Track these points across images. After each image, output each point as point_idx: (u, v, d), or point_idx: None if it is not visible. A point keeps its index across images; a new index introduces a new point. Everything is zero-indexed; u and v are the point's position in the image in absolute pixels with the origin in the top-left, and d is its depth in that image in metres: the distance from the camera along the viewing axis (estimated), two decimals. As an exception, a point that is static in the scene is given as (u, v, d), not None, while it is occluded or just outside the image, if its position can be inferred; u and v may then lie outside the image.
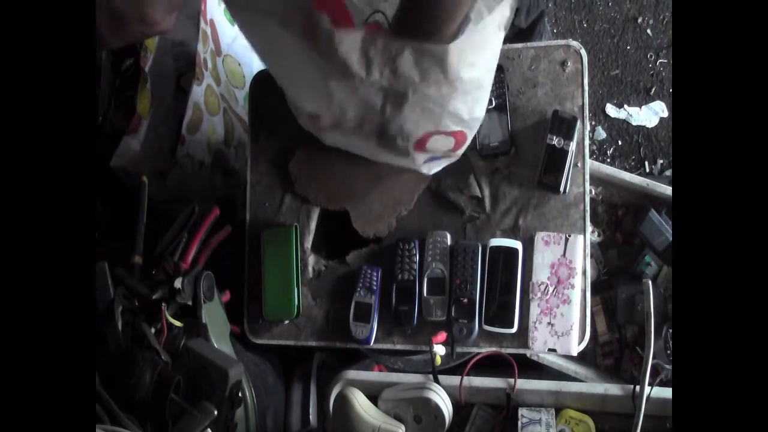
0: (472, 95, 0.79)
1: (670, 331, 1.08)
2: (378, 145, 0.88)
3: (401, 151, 0.88)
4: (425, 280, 0.98)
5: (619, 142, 1.74)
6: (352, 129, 0.86)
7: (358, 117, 0.83)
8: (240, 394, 0.92)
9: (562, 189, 0.95)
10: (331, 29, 0.72)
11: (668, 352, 1.06)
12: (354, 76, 0.75)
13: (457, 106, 0.79)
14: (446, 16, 0.70)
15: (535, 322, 0.94)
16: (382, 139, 0.85)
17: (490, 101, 0.98)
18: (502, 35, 0.79)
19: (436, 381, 0.92)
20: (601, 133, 1.74)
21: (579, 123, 0.95)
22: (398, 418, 0.91)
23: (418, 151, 0.88)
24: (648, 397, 0.86)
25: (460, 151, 0.91)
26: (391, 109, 0.79)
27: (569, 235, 0.95)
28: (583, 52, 0.98)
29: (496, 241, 0.97)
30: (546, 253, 0.95)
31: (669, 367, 0.99)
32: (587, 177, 0.96)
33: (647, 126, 1.73)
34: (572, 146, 0.94)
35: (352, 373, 0.96)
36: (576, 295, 0.93)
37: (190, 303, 0.95)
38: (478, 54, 0.75)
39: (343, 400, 0.91)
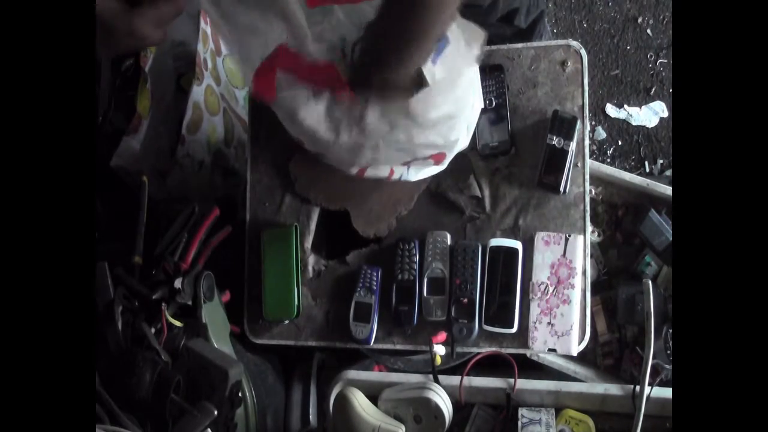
0: (445, 126, 0.79)
1: (670, 331, 1.07)
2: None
3: (385, 175, 0.90)
4: (425, 280, 0.98)
5: (619, 142, 1.74)
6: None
7: (334, 160, 0.85)
8: (240, 394, 0.92)
9: (562, 189, 0.95)
10: (293, 107, 0.74)
11: (668, 352, 1.06)
12: (324, 141, 0.77)
13: (430, 139, 0.80)
14: (404, 60, 0.70)
15: (535, 322, 0.94)
16: (367, 170, 0.88)
17: (491, 101, 0.98)
18: (474, 65, 0.79)
19: (436, 381, 0.92)
20: (601, 133, 1.74)
21: (579, 123, 0.95)
22: (398, 418, 0.91)
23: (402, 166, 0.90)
24: (648, 397, 0.86)
25: (442, 166, 0.91)
26: (366, 156, 0.81)
27: (569, 235, 0.95)
28: (583, 52, 0.98)
29: (496, 241, 0.97)
30: (546, 253, 0.95)
31: (669, 367, 0.99)
32: (587, 177, 0.96)
33: (647, 126, 1.73)
34: (572, 146, 0.94)
35: (352, 373, 0.96)
36: (576, 295, 0.93)
37: (190, 303, 0.95)
38: (445, 93, 0.76)
39: (343, 400, 0.91)
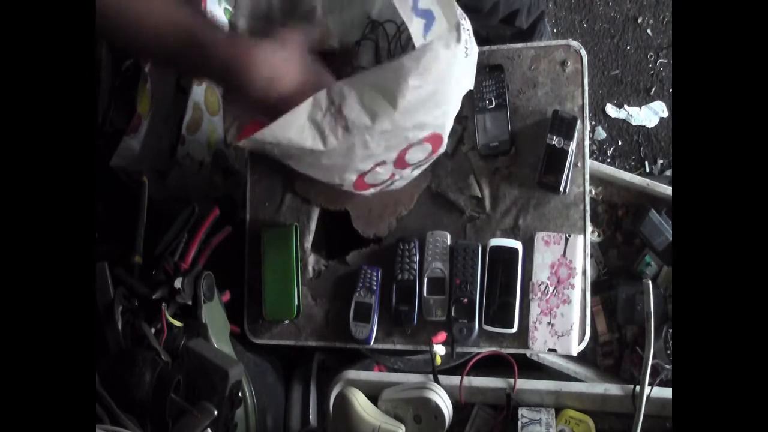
0: (431, 102, 0.78)
1: (670, 331, 1.08)
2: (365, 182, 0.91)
3: (385, 178, 0.90)
4: (425, 280, 0.98)
5: (619, 142, 1.74)
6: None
7: (333, 171, 0.87)
8: (240, 394, 0.92)
9: (562, 189, 0.95)
10: (276, 133, 0.75)
11: (668, 352, 1.06)
12: (315, 152, 0.77)
13: (418, 119, 0.79)
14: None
15: (535, 322, 0.94)
16: (365, 176, 0.88)
17: (491, 101, 0.98)
18: (456, 49, 0.76)
19: (436, 381, 0.92)
20: (601, 133, 1.74)
21: (579, 123, 0.95)
22: (398, 418, 0.91)
23: (400, 167, 0.89)
24: (648, 397, 0.86)
25: (441, 150, 0.91)
26: (359, 156, 0.81)
27: (569, 235, 0.95)
28: (583, 52, 0.98)
29: (496, 241, 0.97)
30: (546, 253, 0.95)
31: (669, 367, 0.99)
32: (587, 177, 0.96)
33: (647, 126, 1.73)
34: (572, 146, 0.94)
35: (352, 373, 0.96)
36: (576, 295, 0.93)
37: (190, 303, 0.95)
38: (423, 74, 0.74)
39: (343, 400, 0.91)
